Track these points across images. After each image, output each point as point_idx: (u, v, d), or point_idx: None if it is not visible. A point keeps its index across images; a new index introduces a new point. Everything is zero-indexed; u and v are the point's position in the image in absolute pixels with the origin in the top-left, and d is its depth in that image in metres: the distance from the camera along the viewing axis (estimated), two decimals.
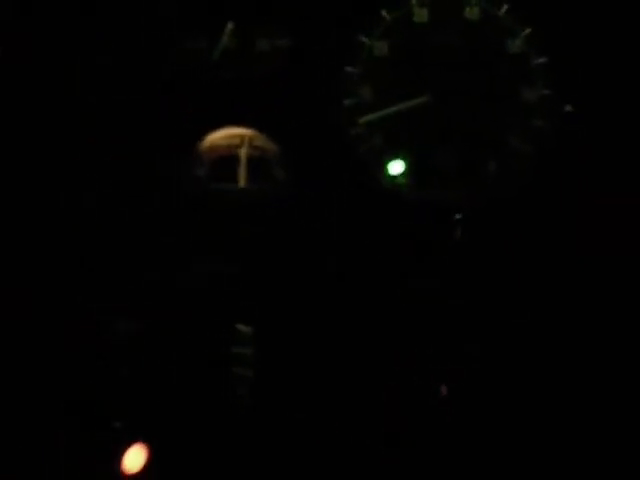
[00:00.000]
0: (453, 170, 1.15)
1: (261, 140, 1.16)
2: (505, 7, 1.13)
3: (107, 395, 1.15)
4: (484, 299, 1.11)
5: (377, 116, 1.14)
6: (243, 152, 1.16)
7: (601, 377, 1.08)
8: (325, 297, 1.14)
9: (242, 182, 1.16)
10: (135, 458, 1.13)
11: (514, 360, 1.10)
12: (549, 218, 1.12)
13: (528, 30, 1.13)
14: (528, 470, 1.08)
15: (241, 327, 1.15)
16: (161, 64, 1.17)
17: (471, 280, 1.12)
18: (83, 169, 1.16)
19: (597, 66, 1.12)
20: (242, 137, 1.16)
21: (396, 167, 1.16)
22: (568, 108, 1.11)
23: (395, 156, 1.15)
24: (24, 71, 1.16)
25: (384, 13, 1.14)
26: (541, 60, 1.13)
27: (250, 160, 1.16)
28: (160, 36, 1.17)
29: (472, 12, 1.13)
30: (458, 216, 1.11)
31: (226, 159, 1.16)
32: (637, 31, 1.12)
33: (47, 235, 1.16)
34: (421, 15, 1.14)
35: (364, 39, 1.15)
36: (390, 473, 1.10)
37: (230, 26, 1.15)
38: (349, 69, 1.15)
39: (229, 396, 1.15)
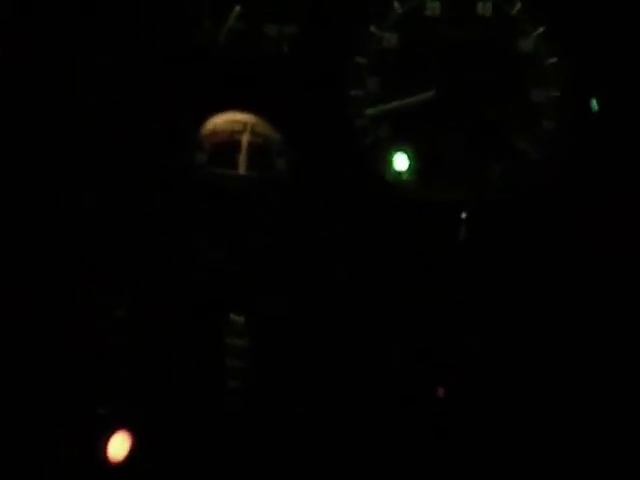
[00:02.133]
0: (458, 169, 1.13)
1: (264, 127, 1.14)
2: (518, 5, 1.10)
3: (94, 381, 1.13)
4: (486, 299, 1.10)
5: (384, 109, 1.12)
6: (245, 138, 1.14)
7: (603, 373, 1.08)
8: (323, 290, 1.13)
9: (242, 169, 1.14)
10: (120, 446, 1.12)
11: (516, 360, 1.09)
12: (553, 222, 1.11)
13: (541, 29, 1.11)
14: (529, 467, 1.07)
15: (234, 317, 1.14)
16: (166, 45, 1.15)
17: (473, 280, 1.10)
18: (85, 150, 1.14)
19: (610, 68, 1.10)
20: (245, 123, 1.14)
21: (401, 162, 1.14)
22: (595, 106, 1.08)
23: (400, 150, 1.14)
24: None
25: (396, 4, 1.12)
26: (552, 60, 1.11)
27: (251, 147, 1.14)
28: (165, 16, 1.14)
29: (484, 8, 1.11)
30: (463, 215, 1.10)
31: (228, 145, 1.14)
32: None
33: (43, 221, 1.15)
34: (433, 8, 1.12)
35: (374, 30, 1.13)
36: (389, 469, 1.09)
37: (238, 9, 1.13)
38: (357, 59, 1.13)
39: (221, 387, 1.14)
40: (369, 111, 1.13)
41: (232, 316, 1.13)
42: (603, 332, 1.08)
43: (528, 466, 1.08)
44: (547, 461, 1.08)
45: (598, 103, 1.09)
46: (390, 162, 1.14)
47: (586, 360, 1.08)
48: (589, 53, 1.10)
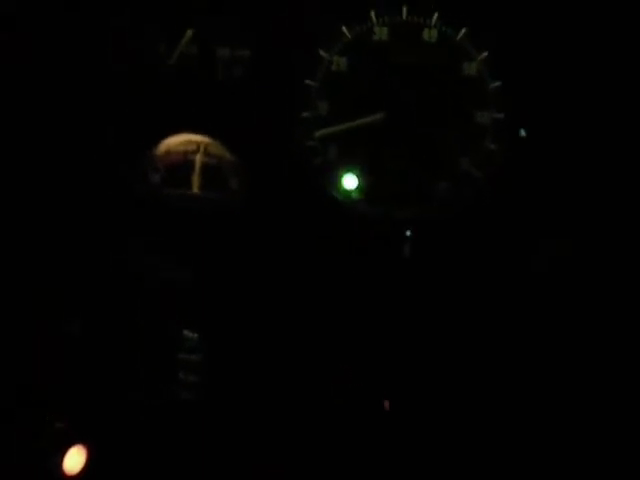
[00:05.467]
0: (404, 187, 1.17)
1: (217, 148, 1.17)
2: (463, 31, 1.14)
3: (51, 395, 1.15)
4: (430, 316, 1.14)
5: (333, 131, 1.16)
6: (198, 159, 1.17)
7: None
8: (275, 307, 1.16)
9: (196, 189, 1.17)
10: (76, 459, 1.13)
11: (461, 376, 1.13)
12: (496, 241, 1.15)
13: (484, 54, 1.15)
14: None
15: (188, 333, 1.16)
16: (120, 67, 1.17)
17: (417, 297, 1.14)
18: (39, 171, 1.16)
19: (550, 92, 1.14)
20: (198, 144, 1.17)
21: (350, 181, 1.18)
22: (522, 133, 1.13)
23: (349, 170, 1.17)
24: None
25: (345, 29, 1.15)
26: (495, 84, 1.15)
27: (205, 167, 1.17)
28: (120, 39, 1.16)
29: (430, 34, 1.15)
30: (408, 233, 1.14)
31: (181, 165, 1.17)
32: (588, 59, 1.14)
33: None
34: (381, 34, 1.15)
35: (324, 54, 1.16)
36: None
37: (190, 32, 1.16)
38: (308, 82, 1.16)
39: (175, 401, 1.16)
40: (318, 133, 1.16)
41: (186, 332, 1.16)
42: (546, 347, 1.12)
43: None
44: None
45: (526, 131, 1.13)
46: (339, 182, 1.18)
47: (527, 380, 1.12)
48: (530, 77, 1.14)
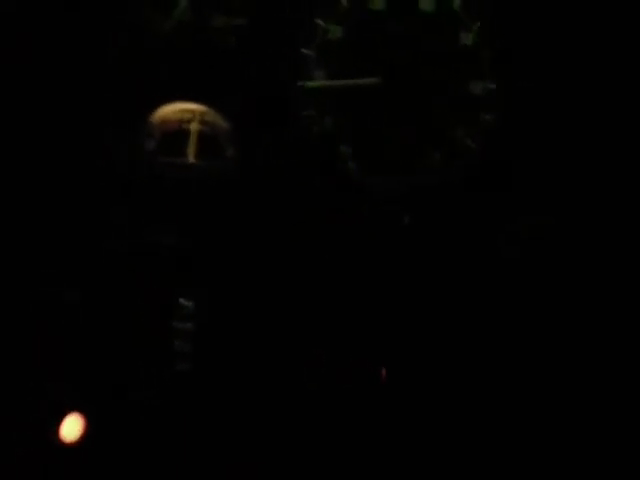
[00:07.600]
0: (398, 157, 1.17)
1: (212, 116, 1.16)
2: (459, 0, 1.15)
3: (46, 364, 1.15)
4: (424, 286, 1.14)
5: (322, 84, 1.15)
6: (194, 127, 1.16)
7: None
8: (270, 275, 1.16)
9: (191, 157, 1.16)
10: (72, 427, 1.13)
11: (456, 346, 1.13)
12: (489, 212, 1.16)
13: (480, 23, 1.15)
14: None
15: (183, 302, 1.16)
16: (113, 33, 1.16)
17: (413, 266, 1.15)
18: (31, 140, 1.15)
19: (546, 63, 1.15)
20: (193, 112, 1.16)
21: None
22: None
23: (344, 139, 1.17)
24: None
25: None
26: (491, 54, 1.16)
27: (200, 136, 1.16)
28: (114, 7, 1.15)
29: (427, 3, 1.15)
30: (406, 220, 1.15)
31: (176, 134, 1.16)
32: (584, 29, 1.15)
33: None
34: (378, 2, 1.15)
35: (320, 22, 1.15)
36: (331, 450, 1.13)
37: (185, 0, 1.15)
38: (304, 51, 1.16)
39: (169, 370, 1.16)
40: (307, 84, 1.15)
41: (182, 301, 1.16)
42: (540, 317, 1.13)
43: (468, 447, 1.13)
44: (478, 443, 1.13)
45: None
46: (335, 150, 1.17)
47: (522, 351, 1.13)
48: (526, 47, 1.15)
